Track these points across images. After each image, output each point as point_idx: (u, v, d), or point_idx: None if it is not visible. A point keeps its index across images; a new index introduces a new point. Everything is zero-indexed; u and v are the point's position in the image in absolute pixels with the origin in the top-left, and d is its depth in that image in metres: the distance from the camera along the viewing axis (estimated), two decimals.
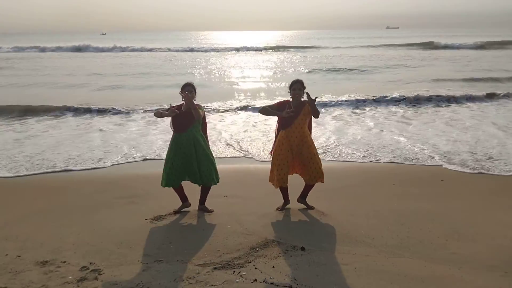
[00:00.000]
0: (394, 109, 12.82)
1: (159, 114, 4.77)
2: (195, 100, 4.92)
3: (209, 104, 13.22)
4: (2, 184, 6.53)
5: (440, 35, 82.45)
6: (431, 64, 27.24)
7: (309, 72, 23.97)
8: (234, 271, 3.64)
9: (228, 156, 7.97)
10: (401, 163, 7.34)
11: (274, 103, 5.05)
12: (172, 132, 4.92)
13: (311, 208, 5.14)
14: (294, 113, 4.75)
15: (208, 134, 5.18)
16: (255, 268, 3.68)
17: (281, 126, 4.94)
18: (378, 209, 5.14)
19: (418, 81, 18.81)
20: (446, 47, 42.21)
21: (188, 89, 4.83)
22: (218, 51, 43.52)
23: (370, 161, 7.49)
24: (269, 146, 8.26)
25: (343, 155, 7.85)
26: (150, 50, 43.86)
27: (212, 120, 11.17)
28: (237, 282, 3.46)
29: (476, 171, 6.81)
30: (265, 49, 45.18)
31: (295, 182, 5.20)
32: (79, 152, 8.16)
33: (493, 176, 6.67)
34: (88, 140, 9.27)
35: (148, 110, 12.45)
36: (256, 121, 11.14)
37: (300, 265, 3.74)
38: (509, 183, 6.35)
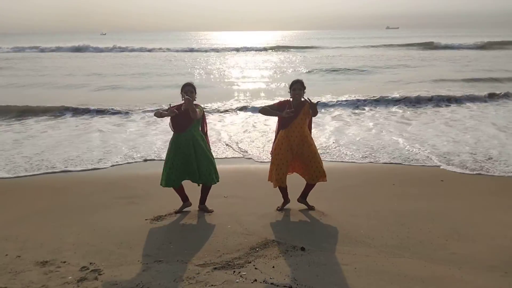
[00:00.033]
0: (393, 109, 12.83)
1: (159, 114, 4.78)
2: (195, 100, 4.93)
3: (209, 104, 13.22)
4: (1, 185, 6.52)
5: (440, 35, 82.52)
6: (431, 64, 27.26)
7: (309, 72, 23.98)
8: (234, 271, 3.64)
9: (229, 157, 7.96)
10: (401, 163, 7.33)
11: (274, 103, 5.05)
12: (172, 132, 4.93)
13: (312, 208, 5.14)
14: (294, 113, 4.76)
15: (208, 134, 5.19)
16: (255, 268, 3.68)
17: (281, 126, 4.95)
18: (378, 209, 5.14)
19: (418, 81, 18.81)
20: (446, 47, 42.25)
21: (188, 89, 4.84)
22: (218, 51, 43.56)
23: (370, 162, 7.48)
24: (269, 146, 8.26)
25: (342, 155, 7.84)
26: (150, 50, 43.88)
27: (212, 120, 11.17)
28: (237, 282, 3.46)
29: (475, 172, 6.80)
30: (265, 49, 45.23)
31: (296, 182, 5.20)
32: (78, 153, 8.14)
33: (493, 176, 6.67)
34: (88, 140, 9.26)
35: (147, 110, 12.44)
36: (256, 121, 11.14)
37: (300, 265, 3.74)
38: (509, 183, 6.35)
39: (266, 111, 4.91)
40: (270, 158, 5.06)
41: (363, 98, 13.85)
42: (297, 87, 4.83)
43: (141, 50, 44.26)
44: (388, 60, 30.45)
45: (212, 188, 5.09)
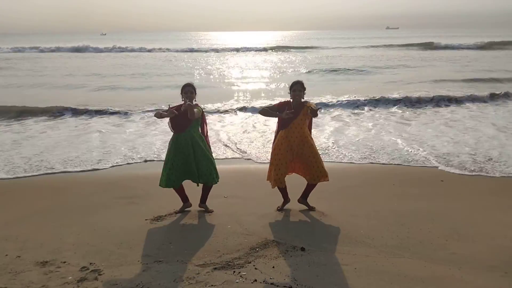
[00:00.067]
0: (393, 109, 12.82)
1: (159, 115, 4.78)
2: (195, 100, 4.93)
3: (208, 105, 13.22)
4: (1, 185, 6.52)
5: (440, 35, 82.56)
6: (431, 64, 27.27)
7: (308, 72, 23.99)
8: (234, 272, 3.64)
9: (229, 157, 7.95)
10: (401, 164, 7.32)
11: (274, 104, 5.06)
12: (171, 133, 4.93)
13: (312, 209, 5.13)
14: (294, 113, 4.76)
15: (208, 135, 5.18)
16: (255, 269, 3.68)
17: (280, 126, 4.95)
18: (378, 210, 5.14)
19: (417, 81, 18.80)
20: (446, 47, 42.26)
21: (188, 90, 4.84)
22: (218, 52, 43.58)
23: (370, 163, 7.46)
24: (268, 147, 8.27)
25: (342, 156, 7.83)
26: (150, 50, 43.89)
27: (211, 121, 11.16)
28: (237, 282, 3.46)
29: (474, 174, 6.78)
30: (265, 49, 45.27)
31: (296, 182, 5.21)
32: (78, 153, 8.13)
33: (493, 176, 6.66)
34: (87, 141, 9.24)
35: (147, 111, 12.42)
36: (255, 121, 11.14)
37: (300, 266, 3.74)
38: (509, 183, 6.36)
39: (266, 112, 4.91)
40: (270, 158, 5.07)
41: (363, 99, 13.84)
42: (297, 88, 4.83)
43: (141, 50, 44.29)
44: (388, 60, 30.47)
45: (212, 188, 5.09)
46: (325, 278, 3.53)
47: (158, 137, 9.33)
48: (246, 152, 8.18)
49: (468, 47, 41.42)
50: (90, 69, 26.00)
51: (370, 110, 12.83)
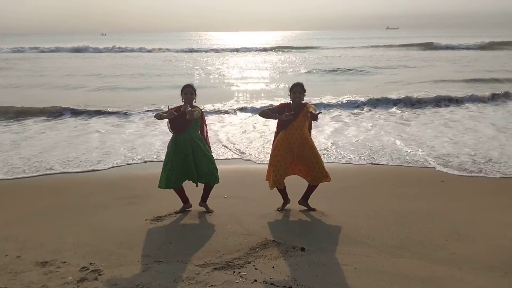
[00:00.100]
0: (393, 110, 12.82)
1: (159, 116, 4.78)
2: (195, 101, 4.93)
3: (208, 105, 13.21)
4: (1, 186, 6.52)
5: (440, 35, 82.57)
6: (431, 64, 27.27)
7: (308, 72, 23.98)
8: (234, 272, 3.64)
9: (229, 158, 7.94)
10: (400, 165, 7.30)
11: (274, 106, 5.05)
12: (171, 134, 4.93)
13: (313, 210, 5.13)
14: (294, 115, 4.75)
15: (208, 136, 5.18)
16: (255, 269, 3.68)
17: (280, 128, 4.94)
18: (378, 210, 5.14)
19: (417, 82, 18.80)
20: (446, 47, 42.26)
21: (188, 91, 4.85)
22: (217, 52, 43.59)
23: (369, 163, 7.45)
24: (268, 147, 8.27)
25: (341, 156, 7.82)
26: (150, 50, 43.88)
27: (211, 121, 11.16)
28: (237, 282, 3.46)
29: (474, 174, 6.75)
30: (265, 49, 45.28)
31: (296, 183, 5.21)
32: (77, 154, 8.11)
33: (493, 177, 6.65)
34: (86, 141, 9.21)
35: (146, 111, 12.40)
36: (255, 122, 11.13)
37: (300, 266, 3.74)
38: (509, 184, 6.36)
39: (265, 114, 4.91)
40: (269, 159, 5.06)
41: (363, 99, 13.83)
42: (297, 90, 4.83)
43: (140, 50, 44.29)
44: (387, 60, 30.48)
45: (212, 188, 5.09)
46: (325, 278, 3.54)
47: (158, 138, 9.32)
48: (245, 153, 8.16)
49: (468, 47, 41.44)
50: (89, 69, 25.99)
51: (370, 110, 12.84)
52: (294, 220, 4.89)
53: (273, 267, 3.71)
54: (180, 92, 4.93)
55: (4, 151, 8.35)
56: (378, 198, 5.62)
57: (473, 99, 13.93)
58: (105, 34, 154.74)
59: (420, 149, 8.13)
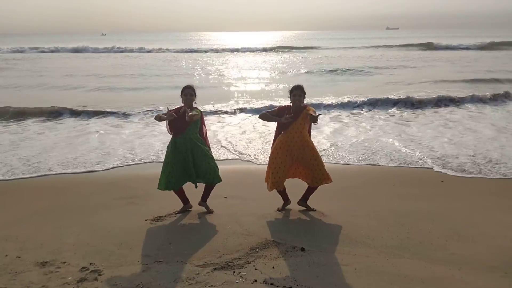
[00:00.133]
0: (393, 110, 12.81)
1: (159, 118, 4.77)
2: (195, 102, 4.93)
3: (208, 106, 13.21)
4: (1, 186, 6.52)
5: (440, 35, 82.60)
6: (431, 65, 27.27)
7: (308, 72, 23.98)
8: (234, 272, 3.64)
9: (229, 158, 7.93)
10: (400, 166, 7.28)
11: (274, 108, 5.03)
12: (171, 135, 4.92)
13: (313, 210, 5.13)
14: (293, 118, 4.75)
15: (207, 136, 5.18)
16: (255, 269, 3.68)
17: (280, 130, 4.93)
18: (378, 210, 5.14)
19: (417, 82, 18.80)
20: (446, 48, 42.26)
21: (188, 92, 4.84)
22: (217, 52, 43.58)
23: (369, 164, 7.43)
24: (268, 148, 8.27)
25: (341, 157, 7.81)
26: (150, 51, 43.90)
27: (211, 122, 11.16)
28: (237, 282, 3.46)
29: (473, 175, 6.72)
30: (265, 50, 45.29)
31: (296, 183, 5.20)
32: (77, 155, 8.08)
33: (493, 178, 6.64)
34: (86, 142, 9.19)
35: (146, 111, 12.37)
36: (255, 123, 11.11)
37: (300, 266, 3.74)
38: (509, 184, 6.35)
39: (265, 116, 4.90)
40: (268, 161, 5.05)
41: (362, 99, 13.82)
42: (297, 93, 4.81)
43: (140, 50, 44.32)
44: (387, 60, 30.48)
45: (213, 188, 5.08)
46: (325, 278, 3.53)
47: (158, 138, 9.31)
48: (245, 154, 8.14)
49: (468, 48, 41.45)
50: (89, 70, 25.98)
51: (370, 110, 12.84)
52: (294, 220, 4.89)
53: (273, 267, 3.71)
54: (180, 93, 4.92)
55: (3, 152, 8.33)
56: (378, 199, 5.62)
57: (473, 99, 13.92)
58: (105, 34, 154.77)
59: (419, 150, 8.12)
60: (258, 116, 5.02)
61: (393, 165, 7.34)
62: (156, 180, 4.99)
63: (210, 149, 5.07)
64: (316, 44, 56.35)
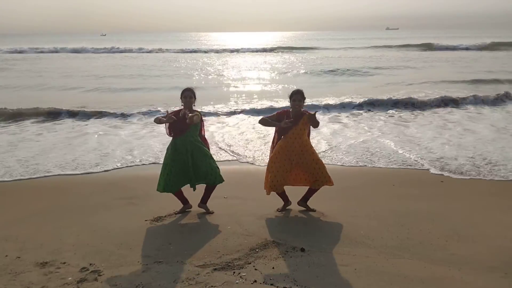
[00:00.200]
0: (392, 111, 12.81)
1: (158, 120, 4.76)
2: (194, 105, 4.92)
3: (209, 106, 13.20)
4: (0, 186, 6.51)
5: (440, 36, 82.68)
6: (431, 65, 27.29)
7: (308, 73, 23.97)
8: (234, 272, 3.64)
9: (229, 159, 7.92)
10: (400, 167, 7.25)
11: (273, 113, 5.00)
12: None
13: (313, 210, 5.13)
14: (293, 122, 4.74)
15: (206, 137, 5.17)
16: (255, 269, 3.68)
17: (279, 135, 4.93)
18: (378, 210, 5.14)
19: (417, 82, 18.82)
20: (446, 48, 42.28)
21: (188, 94, 4.82)
22: (217, 52, 43.58)
23: (368, 165, 7.41)
24: (267, 148, 8.26)
25: (340, 158, 7.80)
26: (150, 51, 43.90)
27: (211, 123, 11.15)
28: (237, 283, 3.46)
29: (472, 177, 6.68)
30: (265, 50, 45.30)
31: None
32: (76, 156, 8.04)
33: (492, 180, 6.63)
34: (84, 143, 9.14)
35: (145, 112, 12.35)
36: (254, 123, 11.10)
37: (300, 266, 3.74)
38: (509, 185, 6.35)
39: (265, 121, 4.88)
40: (267, 166, 5.04)
41: (362, 99, 13.83)
42: (296, 98, 4.80)
43: (140, 51, 44.32)
44: (387, 61, 30.51)
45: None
46: (325, 278, 3.53)
47: (157, 139, 9.29)
48: (245, 154, 8.13)
49: (468, 48, 41.48)
50: (89, 70, 25.97)
51: (369, 111, 12.84)
52: (294, 220, 4.89)
53: (273, 268, 3.71)
54: (179, 95, 4.91)
55: (1, 153, 8.27)
56: (378, 199, 5.62)
57: (473, 100, 13.91)
58: (105, 35, 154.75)
59: (419, 151, 8.10)
60: (258, 121, 5.00)
61: (392, 166, 7.32)
62: (156, 180, 4.99)
63: (209, 150, 5.07)
64: (316, 44, 56.40)
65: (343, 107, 13.27)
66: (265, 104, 14.08)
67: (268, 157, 5.20)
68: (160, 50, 44.61)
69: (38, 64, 30.30)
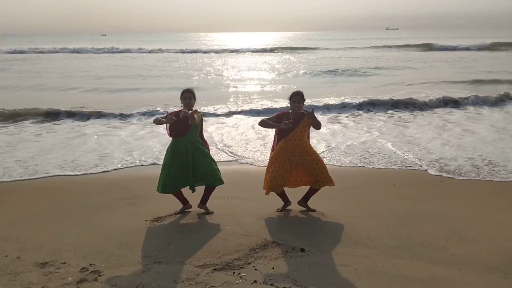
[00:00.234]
0: (392, 111, 12.80)
1: (158, 121, 4.75)
2: (194, 106, 4.91)
3: (207, 107, 13.18)
4: (0, 186, 6.51)
5: (440, 36, 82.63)
6: (430, 65, 27.30)
7: (308, 73, 23.96)
8: (234, 272, 3.64)
9: (229, 160, 7.91)
10: (400, 168, 7.24)
11: (273, 115, 5.00)
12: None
13: (313, 210, 5.13)
14: (294, 124, 4.74)
15: (205, 138, 5.17)
16: (255, 269, 3.68)
17: (279, 137, 4.93)
18: (378, 211, 5.14)
19: (416, 83, 18.81)
20: (446, 49, 42.30)
21: (187, 96, 4.81)
22: (217, 53, 43.58)
23: (367, 166, 7.41)
24: (267, 149, 8.27)
25: (340, 158, 7.80)
26: (150, 51, 43.91)
27: (211, 123, 11.14)
28: (236, 283, 3.46)
29: (471, 178, 6.67)
30: (265, 50, 45.31)
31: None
32: (75, 156, 8.02)
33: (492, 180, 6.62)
34: (84, 143, 9.12)
35: (145, 112, 12.34)
36: (255, 124, 11.09)
37: (300, 266, 3.74)
38: (508, 185, 6.35)
39: (265, 123, 4.88)
40: (266, 167, 5.03)
41: (362, 100, 13.81)
42: (296, 99, 4.80)
43: (140, 51, 44.33)
44: (387, 61, 30.50)
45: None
46: (325, 279, 3.53)
47: (157, 139, 9.28)
48: (245, 155, 8.12)
49: (468, 48, 41.50)
50: (88, 71, 25.94)
51: (369, 111, 12.84)
52: (294, 221, 4.89)
53: (273, 268, 3.71)
54: (179, 96, 4.90)
55: (0, 153, 8.24)
56: (378, 199, 5.62)
57: (473, 100, 13.91)
58: (105, 35, 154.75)
59: (418, 152, 8.10)
60: (258, 123, 5.00)
61: (392, 167, 7.32)
62: (156, 180, 4.99)
63: (209, 151, 5.06)
64: (316, 44, 56.43)
65: (343, 107, 13.26)
66: (264, 104, 14.07)
67: (268, 157, 5.20)
68: (160, 50, 44.60)
69: (37, 65, 30.27)
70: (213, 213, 5.09)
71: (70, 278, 3.57)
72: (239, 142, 9.15)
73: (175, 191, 4.94)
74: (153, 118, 6.12)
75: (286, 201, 5.15)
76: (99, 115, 12.20)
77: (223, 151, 8.46)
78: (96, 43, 55.33)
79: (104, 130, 10.58)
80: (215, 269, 3.70)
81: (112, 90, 18.29)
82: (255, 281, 3.48)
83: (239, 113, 12.73)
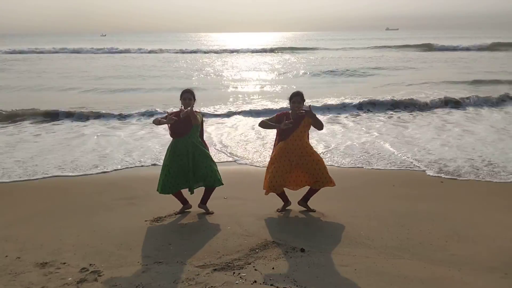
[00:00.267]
0: (391, 111, 12.80)
1: (158, 121, 4.75)
2: (193, 106, 4.91)
3: (207, 107, 13.17)
4: (0, 187, 6.51)
5: (440, 36, 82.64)
6: (430, 66, 27.30)
7: (308, 73, 23.96)
8: (233, 273, 3.64)
9: (229, 160, 7.91)
10: (400, 169, 7.23)
11: (273, 116, 5.00)
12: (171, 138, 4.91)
13: (313, 211, 5.13)
14: (293, 124, 4.74)
15: (204, 138, 5.17)
16: (255, 270, 3.69)
17: (280, 138, 4.93)
18: (378, 211, 5.15)
19: (417, 83, 18.81)
20: (446, 49, 42.29)
21: (187, 96, 4.80)
22: (217, 53, 43.56)
23: (367, 166, 7.41)
24: (266, 149, 8.27)
25: (340, 159, 7.80)
26: (150, 51, 43.91)
27: (210, 124, 11.14)
28: (236, 283, 3.46)
29: (471, 178, 6.66)
30: (265, 50, 45.29)
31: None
32: (74, 157, 8.00)
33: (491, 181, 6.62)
34: (83, 144, 9.10)
35: (144, 113, 12.33)
36: (254, 124, 11.10)
37: (300, 267, 3.74)
38: (508, 185, 6.35)
39: (265, 124, 4.88)
40: (267, 167, 5.03)
41: (361, 100, 13.80)
42: (296, 100, 4.80)
43: (140, 51, 44.30)
44: (387, 61, 30.51)
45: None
46: (325, 279, 3.53)
47: (156, 140, 9.28)
48: (244, 156, 8.10)
49: (468, 49, 41.50)
50: (88, 71, 25.92)
51: (368, 111, 12.84)
52: (294, 221, 4.89)
53: (273, 268, 3.71)
54: (179, 97, 4.90)
55: (1, 154, 8.23)
56: (378, 199, 5.62)
57: (473, 100, 13.90)
58: (105, 35, 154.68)
59: (417, 152, 8.09)
60: (258, 124, 5.00)
61: (391, 167, 7.30)
62: (156, 180, 4.99)
63: (209, 151, 5.06)
64: (316, 44, 56.43)
65: (343, 107, 13.26)
66: (264, 105, 14.06)
67: (268, 158, 5.19)
68: (160, 51, 44.58)
69: (37, 65, 30.25)
70: (213, 213, 5.09)
71: (70, 278, 3.57)
72: (239, 143, 9.14)
73: (175, 192, 4.94)
74: (152, 119, 6.12)
75: (286, 201, 5.15)
76: (99, 115, 12.17)
77: (223, 151, 8.44)
78: (96, 43, 55.33)
79: (103, 130, 10.56)
80: (215, 269, 3.70)
81: (111, 90, 18.26)
82: (255, 281, 3.48)
83: (239, 113, 12.71)
